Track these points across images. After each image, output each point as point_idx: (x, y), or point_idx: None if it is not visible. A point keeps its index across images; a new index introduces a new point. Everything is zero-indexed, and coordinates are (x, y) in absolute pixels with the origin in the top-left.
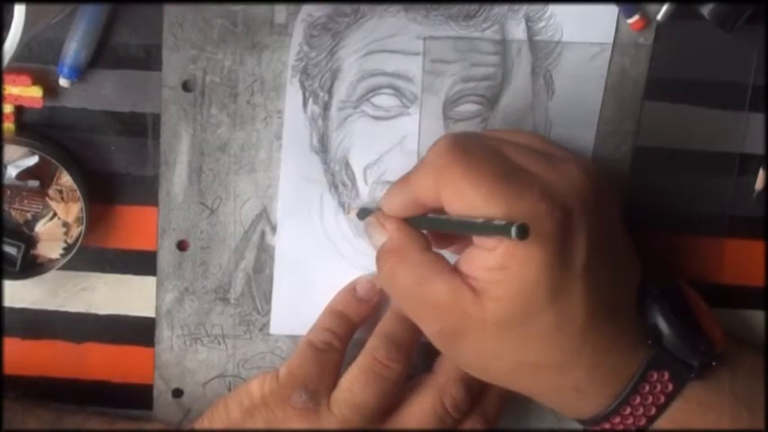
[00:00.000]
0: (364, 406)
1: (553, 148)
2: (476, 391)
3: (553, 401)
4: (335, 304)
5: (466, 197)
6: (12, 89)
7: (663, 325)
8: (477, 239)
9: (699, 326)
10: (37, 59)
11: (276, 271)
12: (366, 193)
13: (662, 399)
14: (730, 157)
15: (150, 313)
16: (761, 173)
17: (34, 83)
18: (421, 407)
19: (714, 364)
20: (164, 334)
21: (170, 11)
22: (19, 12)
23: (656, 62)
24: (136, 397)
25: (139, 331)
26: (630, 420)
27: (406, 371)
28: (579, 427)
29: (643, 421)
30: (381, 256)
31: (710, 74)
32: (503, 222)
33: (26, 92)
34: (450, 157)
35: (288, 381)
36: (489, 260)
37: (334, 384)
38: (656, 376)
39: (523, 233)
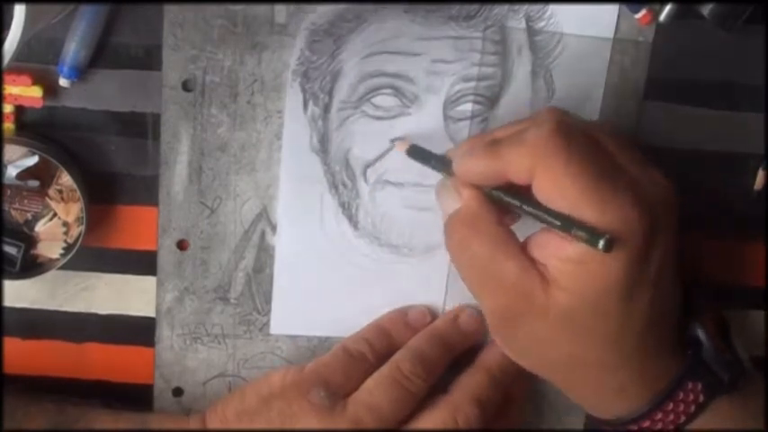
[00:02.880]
0: (379, 410)
1: (636, 151)
2: (490, 414)
3: (590, 399)
4: (383, 321)
5: (563, 190)
6: (12, 89)
7: (703, 336)
8: None
9: (732, 345)
10: (37, 59)
11: (276, 271)
12: (366, 192)
13: (692, 408)
14: (730, 157)
15: (150, 313)
16: (761, 173)
17: (34, 83)
18: (433, 421)
19: (742, 382)
20: (164, 333)
21: (170, 11)
22: (19, 12)
23: (656, 62)
24: (136, 397)
25: (139, 331)
26: (659, 425)
27: (428, 388)
28: (579, 427)
29: (670, 428)
30: (452, 223)
31: (710, 74)
32: (589, 230)
33: (26, 92)
34: (554, 144)
35: (311, 375)
36: (567, 250)
37: (354, 392)
38: (690, 386)
39: (610, 247)
